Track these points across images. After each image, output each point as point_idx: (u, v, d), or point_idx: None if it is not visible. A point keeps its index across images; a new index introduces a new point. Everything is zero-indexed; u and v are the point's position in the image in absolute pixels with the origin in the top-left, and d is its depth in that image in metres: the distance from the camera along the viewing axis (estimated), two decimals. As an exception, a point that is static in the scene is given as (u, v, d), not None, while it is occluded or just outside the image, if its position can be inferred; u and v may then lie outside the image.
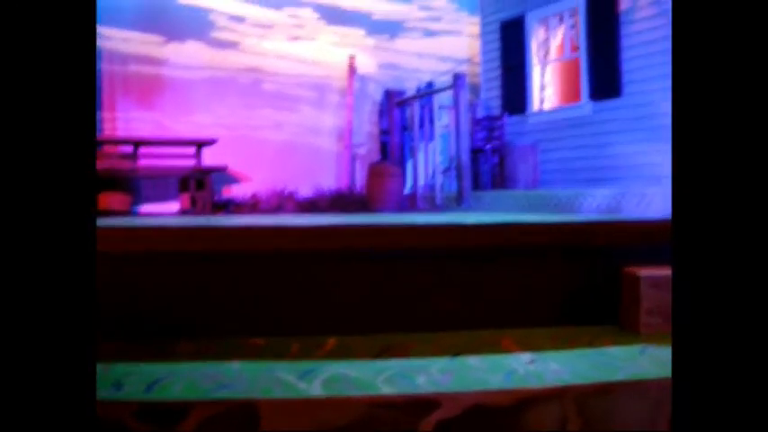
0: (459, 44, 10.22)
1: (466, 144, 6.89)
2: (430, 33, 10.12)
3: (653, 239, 2.88)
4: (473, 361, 2.22)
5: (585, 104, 8.22)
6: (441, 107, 7.47)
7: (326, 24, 9.76)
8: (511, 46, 9.30)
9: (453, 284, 2.71)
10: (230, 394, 1.92)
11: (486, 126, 9.16)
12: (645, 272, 2.65)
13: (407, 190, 7.89)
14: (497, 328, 2.62)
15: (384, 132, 9.23)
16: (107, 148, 8.81)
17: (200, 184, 8.30)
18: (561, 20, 8.78)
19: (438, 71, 9.69)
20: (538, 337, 2.52)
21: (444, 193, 7.46)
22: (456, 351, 2.31)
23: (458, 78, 6.94)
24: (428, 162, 7.60)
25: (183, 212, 8.37)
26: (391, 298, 2.66)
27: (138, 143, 8.42)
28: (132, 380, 2.00)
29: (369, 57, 9.88)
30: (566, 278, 2.78)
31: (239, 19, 9.47)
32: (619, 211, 5.67)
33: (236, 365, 2.17)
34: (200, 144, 8.44)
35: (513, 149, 8.56)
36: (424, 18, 10.11)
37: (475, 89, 9.65)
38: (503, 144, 8.74)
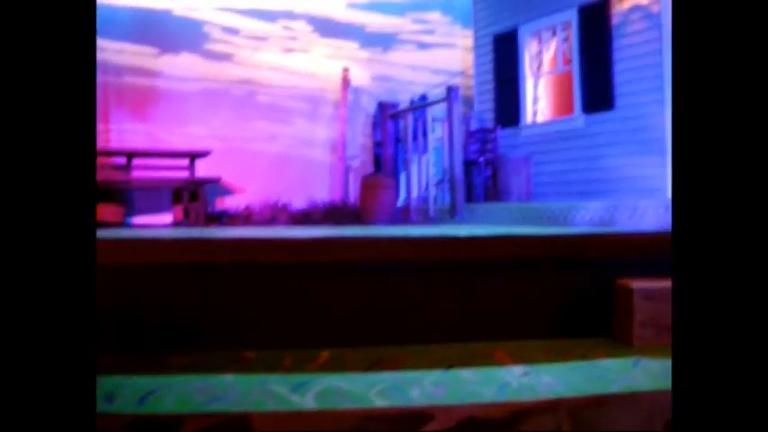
0: (453, 57, 10.26)
1: (459, 156, 6.89)
2: (423, 46, 10.16)
3: (646, 252, 2.89)
4: (466, 373, 2.22)
5: (578, 117, 8.26)
6: (434, 119, 7.48)
7: (320, 37, 9.79)
8: (504, 59, 9.34)
9: (446, 297, 2.71)
10: (223, 407, 1.91)
11: (480, 138, 9.18)
12: (638, 284, 2.66)
13: (401, 202, 7.89)
14: (490, 340, 2.62)
15: (377, 144, 9.24)
16: (100, 160, 8.79)
17: (193, 195, 8.28)
18: (554, 33, 8.83)
19: (431, 84, 9.72)
20: (531, 349, 2.52)
21: (437, 205, 7.46)
22: (449, 363, 2.31)
23: (451, 91, 6.95)
24: (421, 174, 7.61)
25: (176, 224, 8.35)
26: (384, 310, 2.66)
27: (131, 155, 8.41)
28: (125, 392, 1.99)
29: (362, 69, 9.90)
30: (559, 290, 2.79)
31: (233, 31, 9.49)
32: (612, 223, 5.68)
33: (229, 378, 2.16)
34: (194, 156, 8.43)
35: (506, 162, 8.58)
36: (417, 31, 10.15)
37: (468, 102, 9.68)
38: (496, 156, 8.76)
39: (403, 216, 7.48)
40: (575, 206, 6.10)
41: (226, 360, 2.34)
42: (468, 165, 8.60)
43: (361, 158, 9.85)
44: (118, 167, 8.55)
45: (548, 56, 9.01)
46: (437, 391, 2.04)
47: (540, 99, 9.12)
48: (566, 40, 8.65)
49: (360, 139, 9.90)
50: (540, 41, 9.04)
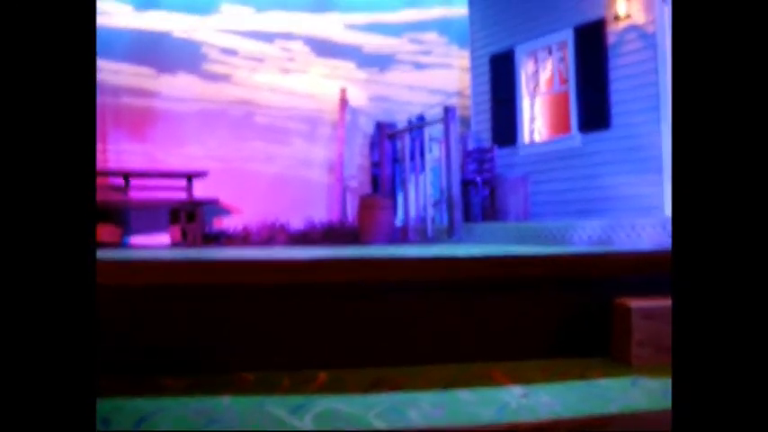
0: (450, 77, 10.31)
1: (456, 176, 6.91)
2: (420, 66, 10.21)
3: (644, 271, 2.89)
4: (464, 394, 2.21)
5: (575, 136, 8.28)
6: (431, 139, 7.50)
7: (318, 57, 9.84)
8: (500, 79, 9.38)
9: (444, 317, 2.70)
10: (221, 430, 1.90)
11: (477, 158, 9.21)
12: (636, 303, 2.65)
13: (399, 222, 7.89)
14: (488, 360, 2.61)
15: (375, 165, 9.26)
16: (98, 180, 8.80)
17: (190, 216, 8.29)
18: (550, 53, 8.88)
19: (428, 104, 9.76)
20: (529, 369, 2.51)
21: (435, 225, 7.47)
22: (447, 384, 2.30)
23: (448, 111, 6.99)
24: (419, 194, 7.62)
25: (173, 244, 8.34)
26: (382, 331, 2.65)
27: (128, 175, 8.42)
28: (121, 416, 1.98)
29: (360, 90, 9.95)
30: (557, 310, 2.78)
31: (231, 52, 9.54)
32: (609, 242, 5.68)
33: (226, 400, 2.15)
34: (191, 176, 8.45)
35: (503, 181, 8.60)
36: (414, 51, 10.20)
37: (465, 121, 9.71)
38: (493, 176, 8.78)
39: (401, 236, 7.48)
40: (572, 225, 6.11)
41: (223, 382, 2.33)
42: (466, 184, 8.62)
43: (358, 179, 9.86)
44: (115, 188, 8.56)
45: (544, 75, 9.05)
46: (436, 413, 2.03)
47: (536, 118, 9.16)
48: (562, 59, 8.70)
49: (357, 160, 9.92)
50: (536, 61, 9.09)
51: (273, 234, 8.64)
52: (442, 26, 10.29)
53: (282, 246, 7.73)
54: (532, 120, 9.15)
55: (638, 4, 7.57)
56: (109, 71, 8.94)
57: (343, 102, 9.76)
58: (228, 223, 9.03)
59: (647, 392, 2.23)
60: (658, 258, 2.93)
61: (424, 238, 7.13)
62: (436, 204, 8.03)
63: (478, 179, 8.83)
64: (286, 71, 9.73)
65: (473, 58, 9.93)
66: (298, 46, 9.79)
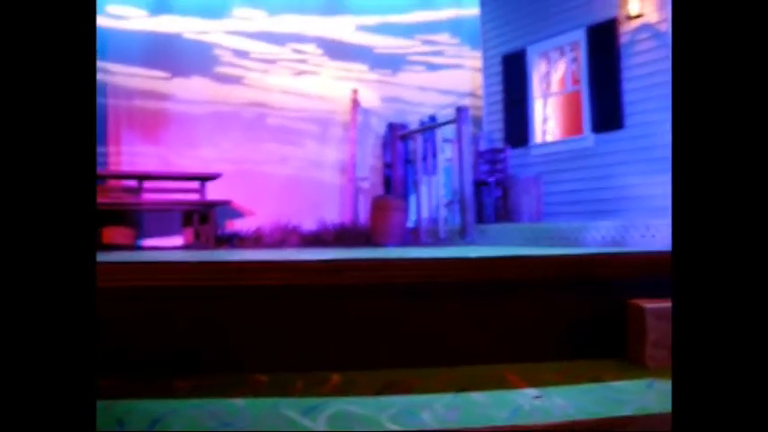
0: (462, 78, 10.28)
1: (469, 177, 6.90)
2: (432, 67, 10.20)
3: (658, 271, 2.87)
4: (478, 397, 2.20)
5: (588, 137, 8.25)
6: (443, 140, 7.49)
7: (329, 59, 9.85)
8: (513, 79, 9.36)
9: (457, 319, 2.70)
10: (234, 431, 1.90)
11: (489, 159, 9.18)
12: (650, 304, 2.64)
13: (411, 223, 7.88)
14: (502, 362, 2.60)
15: (387, 166, 9.26)
16: (111, 183, 8.85)
17: (203, 218, 8.31)
18: (562, 53, 8.85)
19: (440, 104, 9.75)
20: (543, 371, 2.50)
21: (448, 226, 7.45)
22: (461, 386, 2.29)
23: (460, 112, 6.97)
24: (431, 195, 7.61)
25: (186, 246, 8.37)
26: (395, 333, 2.65)
27: (142, 177, 8.45)
28: (134, 417, 1.99)
29: (372, 91, 9.95)
30: (571, 311, 2.77)
31: (243, 54, 9.56)
32: (623, 243, 5.65)
33: (239, 402, 2.15)
34: (205, 178, 8.47)
35: (516, 182, 8.57)
36: (426, 52, 10.19)
37: (477, 122, 9.69)
38: (506, 177, 8.75)
39: (413, 237, 7.47)
40: (586, 226, 6.08)
41: (236, 384, 2.33)
42: (478, 185, 8.60)
43: (371, 180, 9.86)
44: (129, 190, 8.59)
45: (556, 76, 9.03)
46: (449, 415, 2.02)
47: (549, 119, 9.13)
48: (574, 59, 8.67)
49: (370, 161, 9.92)
50: (548, 61, 9.06)
51: (286, 236, 8.65)
52: (454, 27, 10.28)
53: (295, 247, 7.74)
54: (545, 120, 9.12)
55: (650, 3, 7.53)
56: (123, 75, 9.00)
57: (355, 103, 9.76)
58: (241, 225, 9.05)
59: (663, 395, 2.22)
60: (673, 259, 2.91)
61: (437, 240, 7.11)
62: (448, 205, 8.01)
63: (491, 180, 8.81)
64: (298, 73, 9.74)
65: (485, 59, 9.92)
66: (310, 48, 9.80)
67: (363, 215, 9.32)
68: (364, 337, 2.62)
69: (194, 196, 8.43)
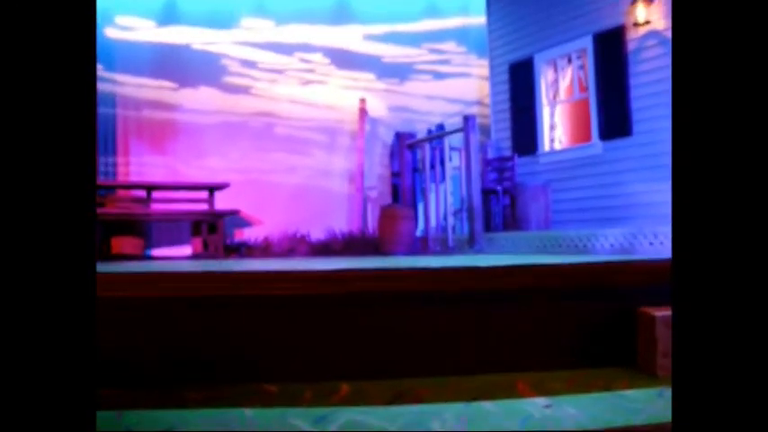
0: (469, 86, 10.30)
1: (477, 185, 6.89)
2: (439, 76, 10.21)
3: (668, 279, 2.85)
4: (488, 406, 2.19)
5: (596, 144, 8.24)
6: (451, 149, 7.49)
7: (337, 68, 9.88)
8: (520, 87, 9.37)
9: (466, 328, 2.69)
10: (243, 442, 1.90)
11: (497, 167, 9.18)
12: (660, 312, 2.62)
13: (419, 232, 7.88)
14: (512, 371, 2.59)
15: (395, 175, 9.26)
16: (121, 193, 8.89)
17: (212, 227, 8.33)
18: (569, 61, 8.85)
19: (448, 113, 9.76)
20: (553, 380, 2.49)
21: (456, 234, 7.45)
22: (471, 396, 2.28)
23: (468, 120, 6.97)
24: (439, 204, 7.61)
25: (195, 256, 8.39)
26: (404, 342, 2.64)
27: (151, 187, 8.49)
28: (144, 428, 1.98)
29: (379, 100, 9.97)
30: (580, 320, 2.76)
31: (251, 64, 9.61)
32: (632, 250, 5.63)
33: (248, 412, 2.15)
34: (213, 188, 8.49)
35: (524, 190, 8.56)
36: (433, 61, 10.21)
37: (485, 130, 9.70)
38: (514, 185, 8.75)
39: (422, 246, 7.46)
40: (594, 234, 6.07)
41: (245, 394, 2.33)
42: (487, 193, 8.60)
43: (378, 189, 9.87)
44: (138, 200, 8.63)
45: (564, 83, 9.02)
46: (459, 425, 2.01)
47: (556, 127, 9.12)
48: (581, 67, 8.67)
49: (377, 170, 9.93)
50: (555, 69, 9.06)
51: (294, 245, 8.66)
52: (461, 35, 10.30)
53: (303, 256, 7.74)
54: (552, 128, 9.12)
55: (657, 10, 7.53)
56: (132, 85, 9.06)
57: (363, 112, 9.78)
58: (250, 234, 9.07)
59: (674, 403, 2.20)
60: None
61: (445, 248, 7.10)
62: (457, 214, 8.01)
63: (499, 188, 8.80)
64: (306, 83, 9.78)
65: (492, 67, 9.93)
66: (317, 57, 9.84)
67: (372, 224, 9.33)
68: (374, 347, 2.61)
69: (203, 206, 8.45)
